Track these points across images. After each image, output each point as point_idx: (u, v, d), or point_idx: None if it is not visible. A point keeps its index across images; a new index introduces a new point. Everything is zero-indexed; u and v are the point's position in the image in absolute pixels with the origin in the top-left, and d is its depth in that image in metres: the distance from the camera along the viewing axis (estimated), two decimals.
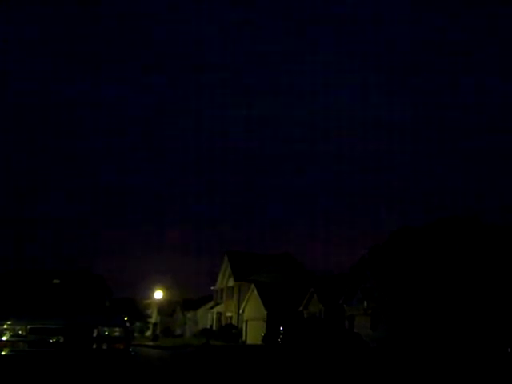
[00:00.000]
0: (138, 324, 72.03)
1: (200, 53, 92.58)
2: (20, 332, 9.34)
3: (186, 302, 75.73)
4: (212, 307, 68.56)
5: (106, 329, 9.79)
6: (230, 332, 56.11)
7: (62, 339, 9.36)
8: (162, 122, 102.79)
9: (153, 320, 79.24)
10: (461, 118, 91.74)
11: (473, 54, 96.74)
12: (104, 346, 9.60)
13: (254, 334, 52.74)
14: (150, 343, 50.43)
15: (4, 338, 9.27)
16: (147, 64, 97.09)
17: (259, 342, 41.24)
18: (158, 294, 67.57)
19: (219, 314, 66.27)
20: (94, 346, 9.55)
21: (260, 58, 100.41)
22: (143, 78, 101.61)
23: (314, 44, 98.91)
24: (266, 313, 52.85)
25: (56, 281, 11.26)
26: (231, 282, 63.29)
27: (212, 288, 69.62)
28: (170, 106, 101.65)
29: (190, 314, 74.30)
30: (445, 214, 41.44)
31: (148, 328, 75.52)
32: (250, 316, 57.36)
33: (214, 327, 63.36)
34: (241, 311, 59.25)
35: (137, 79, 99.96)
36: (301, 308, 49.77)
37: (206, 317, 69.07)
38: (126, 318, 11.05)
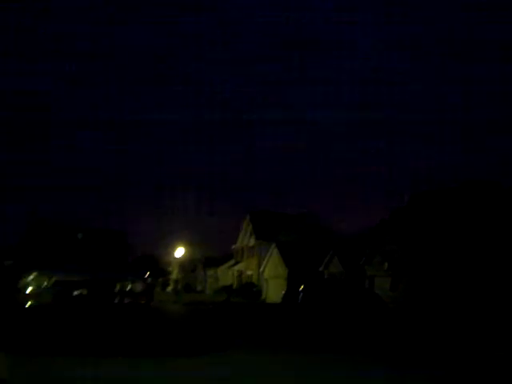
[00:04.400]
0: (159, 280, 72.88)
1: None
2: (45, 284, 9.58)
3: (207, 260, 76.41)
4: (233, 265, 69.11)
5: (128, 283, 10.01)
6: (250, 290, 56.62)
7: (85, 292, 9.60)
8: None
9: (174, 276, 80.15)
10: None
11: None
12: (126, 300, 9.82)
13: (274, 292, 53.16)
14: (171, 299, 51.10)
15: (29, 290, 9.53)
16: None
17: (279, 301, 41.60)
18: (180, 251, 68.24)
19: (240, 272, 66.81)
20: (117, 300, 9.77)
21: None
22: None
23: None
24: (286, 272, 53.16)
25: (80, 236, 11.50)
26: (252, 241, 63.65)
27: (233, 247, 70.13)
28: None
29: (210, 272, 75.01)
30: (468, 178, 41.14)
31: (169, 284, 76.43)
32: (270, 275, 57.76)
33: (235, 285, 63.96)
34: (261, 270, 59.65)
35: None
36: (321, 268, 49.97)
37: (227, 275, 69.68)
38: (147, 274, 11.26)
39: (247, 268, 64.86)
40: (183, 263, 77.60)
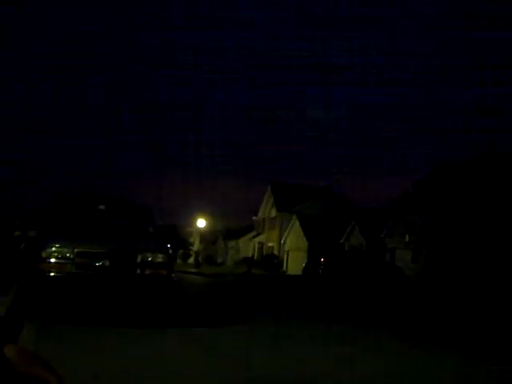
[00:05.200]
0: (180, 251, 73.39)
1: None
2: (68, 255, 9.62)
3: (228, 231, 76.74)
4: (254, 237, 69.37)
5: (149, 255, 10.02)
6: (271, 262, 56.84)
7: (107, 263, 9.62)
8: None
9: (195, 248, 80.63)
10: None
11: None
12: (147, 272, 9.84)
13: (294, 264, 53.34)
14: (193, 270, 51.47)
15: (52, 260, 9.58)
16: None
17: (299, 273, 41.74)
18: (201, 223, 68.55)
19: (261, 243, 67.06)
20: (138, 271, 9.80)
21: None
22: None
23: None
24: (307, 244, 53.29)
25: (101, 207, 11.51)
26: (273, 213, 63.76)
27: (254, 218, 70.30)
28: None
29: (231, 243, 75.38)
30: (494, 150, 40.66)
31: (190, 255, 76.95)
32: (291, 247, 57.93)
33: (256, 256, 64.23)
34: (282, 242, 59.83)
35: None
36: (342, 240, 50.03)
37: (248, 246, 69.97)
38: (168, 245, 11.28)
39: (268, 240, 65.08)
40: (204, 235, 78.02)
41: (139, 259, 9.90)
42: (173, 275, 10.37)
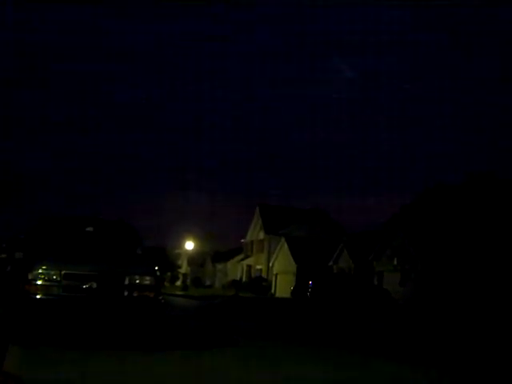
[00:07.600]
0: (168, 273, 73.05)
1: None
2: (54, 277, 9.55)
3: (216, 254, 76.52)
4: (242, 259, 69.18)
5: (137, 277, 9.97)
6: (259, 284, 56.60)
7: (94, 285, 9.56)
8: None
9: (183, 270, 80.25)
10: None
11: None
12: (135, 294, 9.78)
13: (283, 287, 53.20)
14: (180, 293, 51.19)
15: (39, 282, 9.50)
16: None
17: (288, 296, 41.62)
18: (189, 245, 68.35)
19: (249, 266, 66.88)
20: (126, 294, 9.74)
21: None
22: None
23: None
24: (295, 266, 53.17)
25: (89, 229, 11.45)
26: (262, 235, 63.68)
27: (242, 241, 70.17)
28: None
29: (220, 266, 75.12)
30: (480, 171, 40.91)
31: (178, 278, 76.58)
32: (279, 269, 57.79)
33: (244, 279, 64.02)
34: (271, 264, 59.69)
35: None
36: (331, 263, 49.97)
37: (236, 269, 69.77)
38: (156, 268, 11.24)
39: (256, 262, 64.91)
40: (192, 257, 77.75)
41: (127, 281, 9.84)
42: (160, 298, 10.32)
